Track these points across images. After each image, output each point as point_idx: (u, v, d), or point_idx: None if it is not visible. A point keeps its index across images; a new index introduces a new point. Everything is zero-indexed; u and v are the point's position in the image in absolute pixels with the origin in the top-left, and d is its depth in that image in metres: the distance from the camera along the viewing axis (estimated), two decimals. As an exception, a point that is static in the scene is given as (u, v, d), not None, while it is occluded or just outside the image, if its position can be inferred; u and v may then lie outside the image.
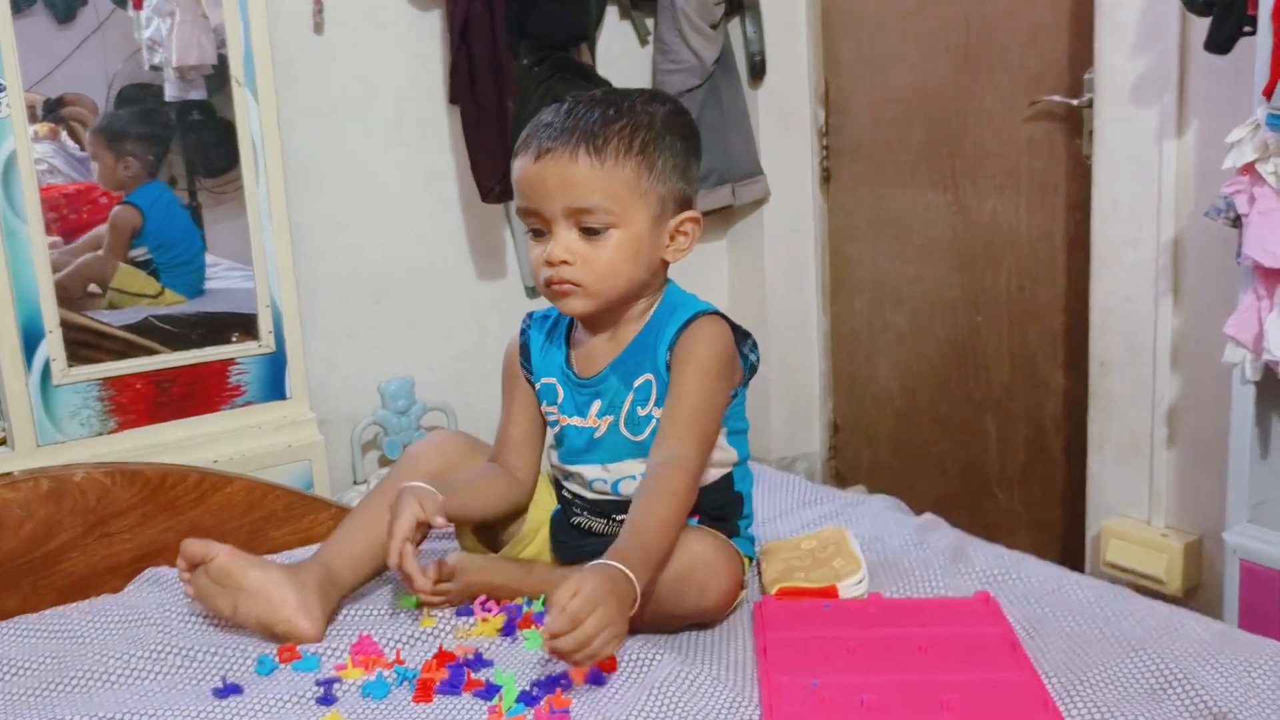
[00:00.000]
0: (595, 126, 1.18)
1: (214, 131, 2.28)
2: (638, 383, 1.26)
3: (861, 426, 3.00)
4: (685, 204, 1.25)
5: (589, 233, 1.19)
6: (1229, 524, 1.86)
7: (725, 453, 1.30)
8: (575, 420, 1.30)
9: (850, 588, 1.23)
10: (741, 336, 1.28)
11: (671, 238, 1.24)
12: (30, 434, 2.05)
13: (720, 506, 1.30)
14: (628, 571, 1.05)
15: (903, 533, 1.36)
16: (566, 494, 1.36)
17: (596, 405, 1.28)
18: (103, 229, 2.24)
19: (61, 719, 1.06)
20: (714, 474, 1.29)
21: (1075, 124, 2.30)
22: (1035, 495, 2.57)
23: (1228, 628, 1.11)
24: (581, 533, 1.34)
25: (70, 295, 2.14)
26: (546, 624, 1.01)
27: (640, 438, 1.26)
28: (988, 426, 2.64)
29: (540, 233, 1.22)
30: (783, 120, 2.90)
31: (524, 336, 1.36)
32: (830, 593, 1.22)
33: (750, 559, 1.32)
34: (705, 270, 2.99)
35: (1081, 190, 2.27)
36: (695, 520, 1.26)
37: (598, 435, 1.29)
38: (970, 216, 2.58)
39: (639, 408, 1.26)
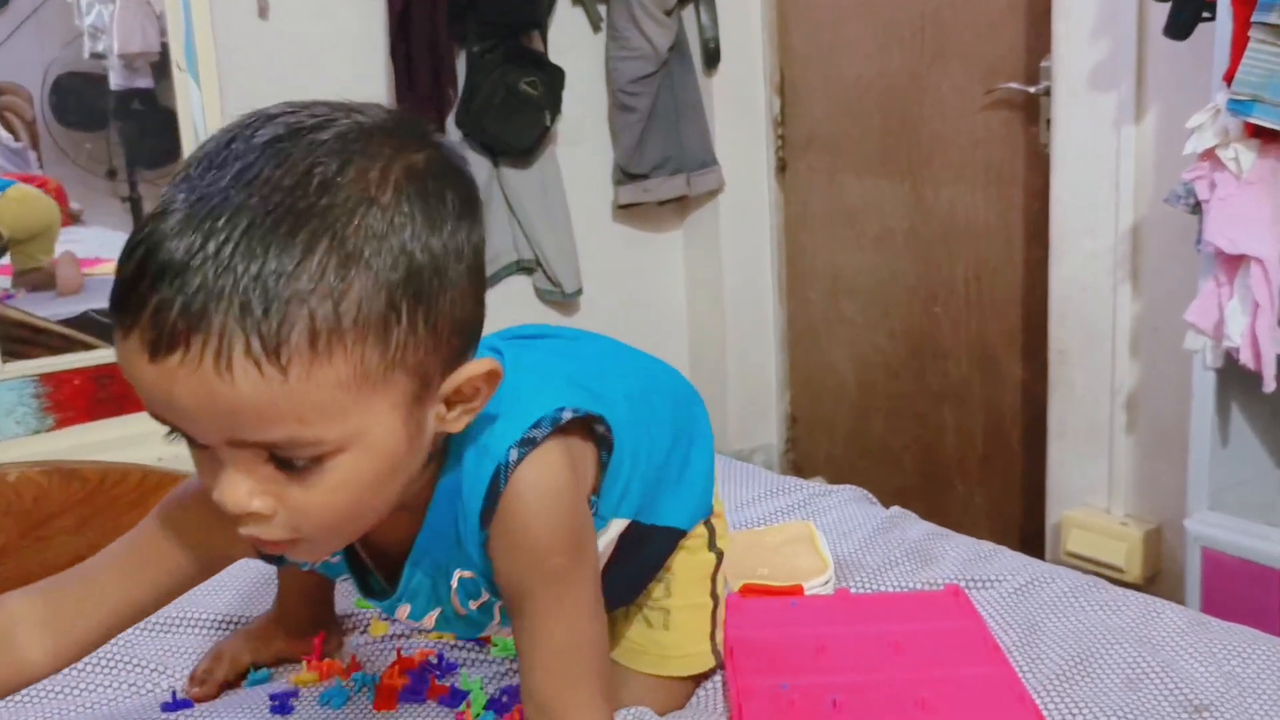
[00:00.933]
0: (263, 283, 0.60)
1: (157, 121, 2.21)
2: (455, 579, 0.83)
3: (819, 418, 2.98)
4: (465, 339, 0.70)
5: (287, 465, 0.66)
6: (1190, 511, 1.86)
7: (611, 530, 0.91)
8: (383, 607, 0.88)
9: (816, 587, 1.20)
10: (589, 424, 0.83)
11: (450, 405, 0.71)
12: (-37, 433, 1.98)
13: (640, 563, 0.98)
14: None
15: (870, 525, 1.33)
16: None
17: (405, 609, 0.87)
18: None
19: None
20: (605, 555, 0.90)
21: (1033, 112, 2.30)
22: (994, 486, 2.57)
23: (1203, 616, 1.09)
24: None
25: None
26: None
27: (494, 621, 0.89)
28: (946, 417, 2.64)
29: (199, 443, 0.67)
30: (738, 109, 2.87)
31: None
32: (796, 591, 1.19)
33: (685, 532, 1.00)
34: (661, 261, 2.96)
35: (1039, 179, 2.27)
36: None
37: (427, 626, 0.90)
38: (927, 206, 2.57)
39: (470, 602, 0.85)
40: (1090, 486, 2.24)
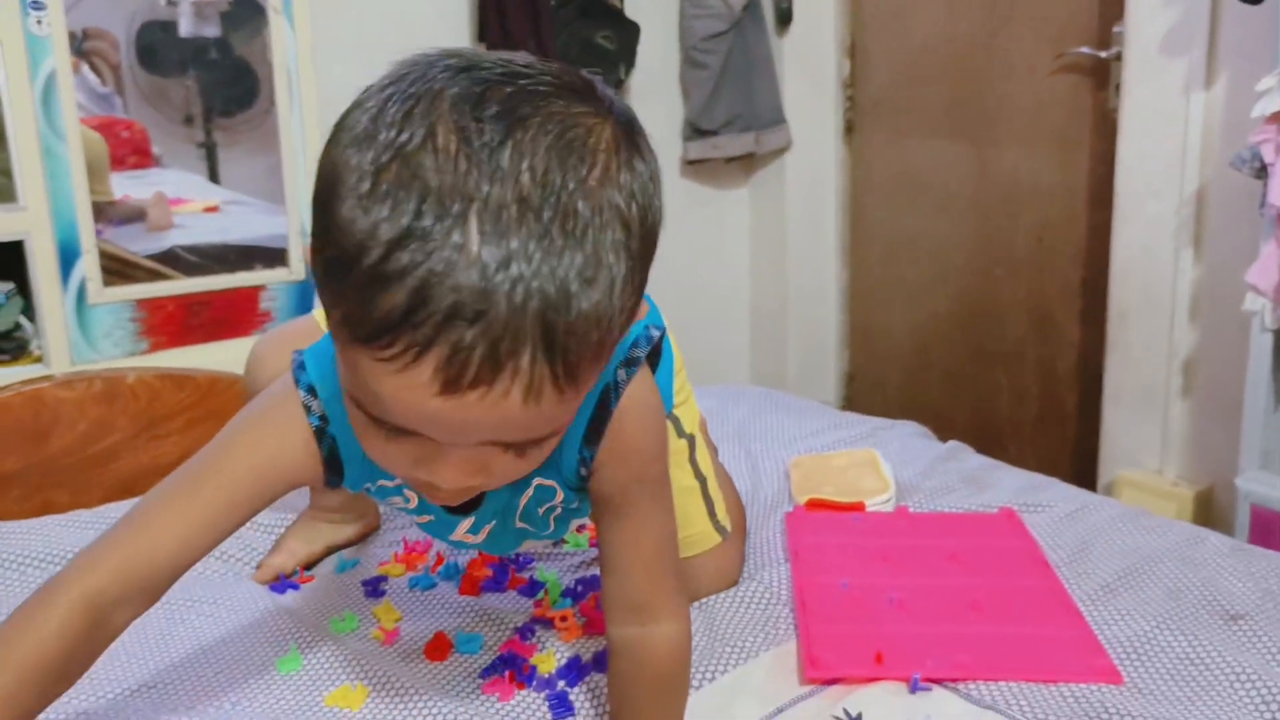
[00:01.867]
0: (561, 311, 0.57)
1: (230, 69, 2.30)
2: (534, 485, 0.84)
3: (875, 377, 3.04)
4: None
5: (520, 449, 0.67)
6: (1241, 469, 1.90)
7: None
8: (428, 520, 0.89)
9: (878, 505, 1.26)
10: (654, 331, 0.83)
11: None
12: (65, 352, 2.09)
13: None
14: None
15: (930, 455, 1.40)
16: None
17: (467, 524, 0.87)
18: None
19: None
20: None
21: (1102, 77, 2.32)
22: (1047, 447, 2.61)
23: (1245, 544, 1.14)
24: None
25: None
26: None
27: (545, 531, 0.92)
28: (1001, 379, 2.68)
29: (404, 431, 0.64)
30: (807, 70, 2.91)
31: (325, 441, 0.79)
32: (858, 508, 1.26)
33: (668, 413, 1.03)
34: (727, 218, 3.02)
35: (1105, 144, 2.30)
36: None
37: (475, 542, 0.92)
38: (991, 170, 2.60)
39: (538, 507, 0.87)
40: (1143, 448, 2.27)
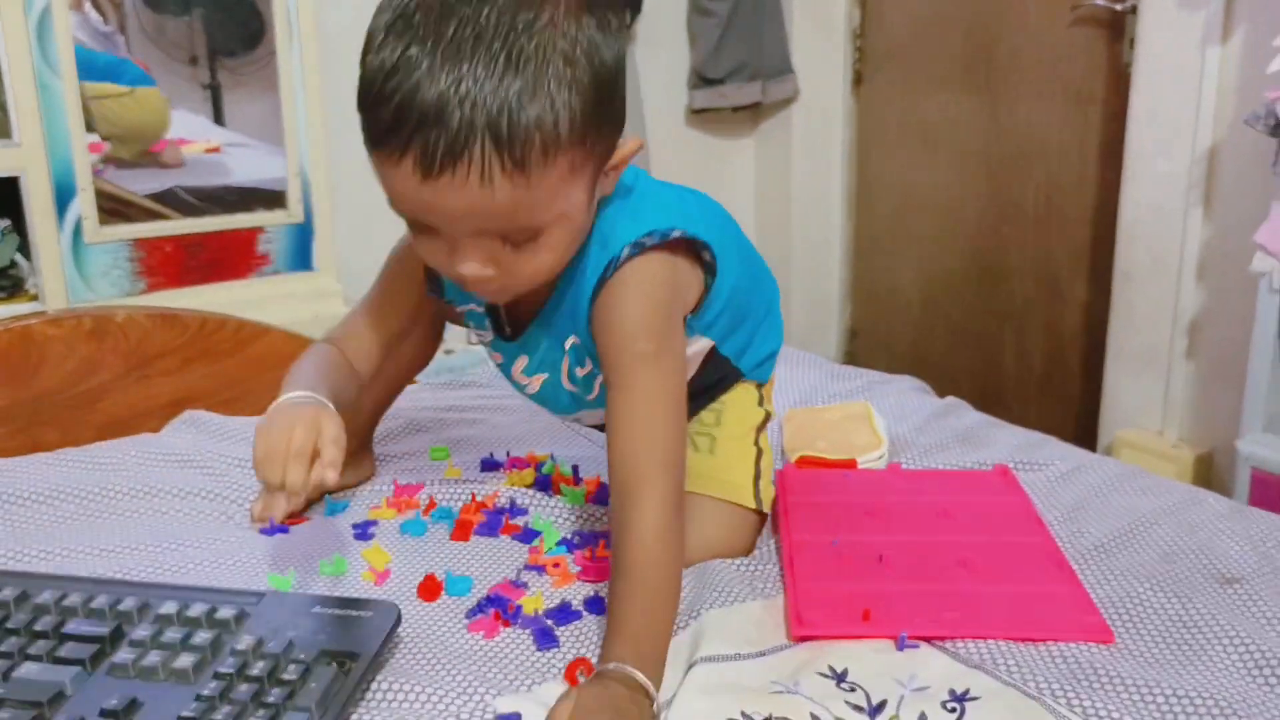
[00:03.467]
0: (505, 115, 0.77)
1: (238, 9, 2.26)
2: (568, 344, 1.01)
3: (879, 333, 3.02)
4: (622, 127, 0.89)
5: (512, 242, 0.85)
6: (1243, 432, 1.88)
7: (696, 345, 1.07)
8: (500, 358, 1.10)
9: (870, 462, 1.25)
10: (697, 247, 0.99)
11: (608, 173, 0.91)
12: (61, 290, 2.08)
13: (708, 387, 1.13)
14: (639, 679, 0.80)
15: (926, 410, 1.38)
16: None
17: (523, 361, 1.06)
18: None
19: (117, 543, 1.09)
20: (689, 371, 1.06)
21: (1118, 30, 2.28)
22: (1050, 406, 2.60)
23: (1244, 506, 1.13)
24: None
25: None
26: None
27: (590, 396, 1.06)
28: (1006, 337, 2.66)
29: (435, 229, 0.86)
30: (817, 19, 2.87)
31: None
32: (850, 465, 1.25)
33: (760, 383, 1.16)
34: (732, 168, 2.99)
35: (1119, 99, 2.26)
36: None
37: (531, 391, 1.09)
38: (1002, 124, 2.56)
39: (577, 369, 1.03)
40: (1145, 409, 2.26)
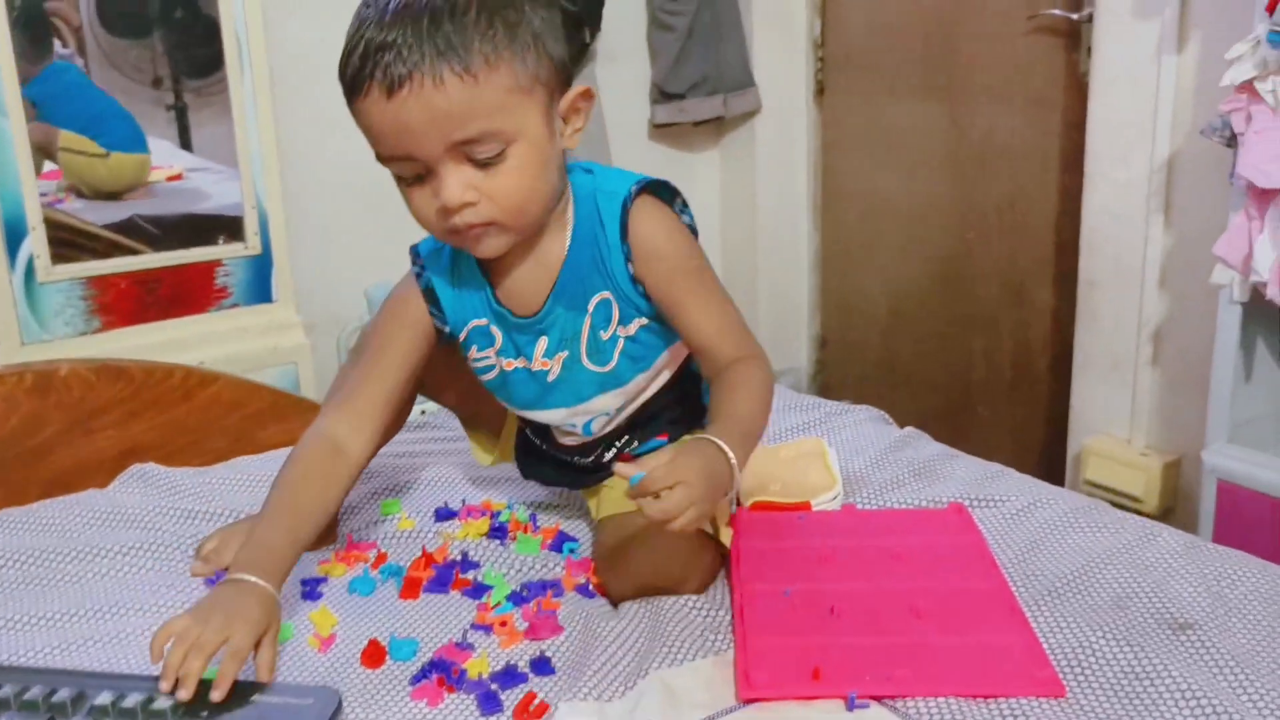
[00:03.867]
0: (447, 28, 0.92)
1: (199, 30, 2.23)
2: (592, 304, 1.09)
3: (848, 342, 3.01)
4: (566, 73, 1.02)
5: (482, 163, 0.97)
6: (1208, 443, 1.88)
7: (671, 355, 1.15)
8: (519, 363, 1.13)
9: (824, 503, 1.24)
10: (670, 195, 1.10)
11: (566, 119, 1.03)
12: (14, 332, 2.05)
13: (682, 414, 1.19)
14: (728, 451, 0.95)
15: (882, 444, 1.37)
16: (531, 436, 1.25)
17: (543, 344, 1.11)
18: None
19: (56, 610, 1.07)
20: (661, 381, 1.16)
21: (1074, 39, 2.27)
22: (1019, 412, 2.59)
23: (1199, 540, 1.12)
24: (562, 465, 1.25)
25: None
26: (637, 482, 0.90)
27: (608, 367, 1.11)
28: (974, 344, 2.65)
29: (419, 177, 0.98)
30: (777, 30, 2.85)
31: (423, 280, 1.13)
32: (804, 508, 1.23)
33: None
34: (697, 181, 2.98)
35: (1078, 106, 2.25)
36: (663, 441, 1.18)
37: (552, 378, 1.12)
38: (964, 131, 2.56)
39: (600, 331, 1.10)
40: (1112, 417, 2.26)
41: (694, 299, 1.06)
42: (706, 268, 1.09)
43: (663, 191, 1.09)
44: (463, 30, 0.93)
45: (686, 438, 0.98)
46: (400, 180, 1.00)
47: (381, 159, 0.99)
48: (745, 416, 1.02)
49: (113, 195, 2.18)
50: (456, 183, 0.96)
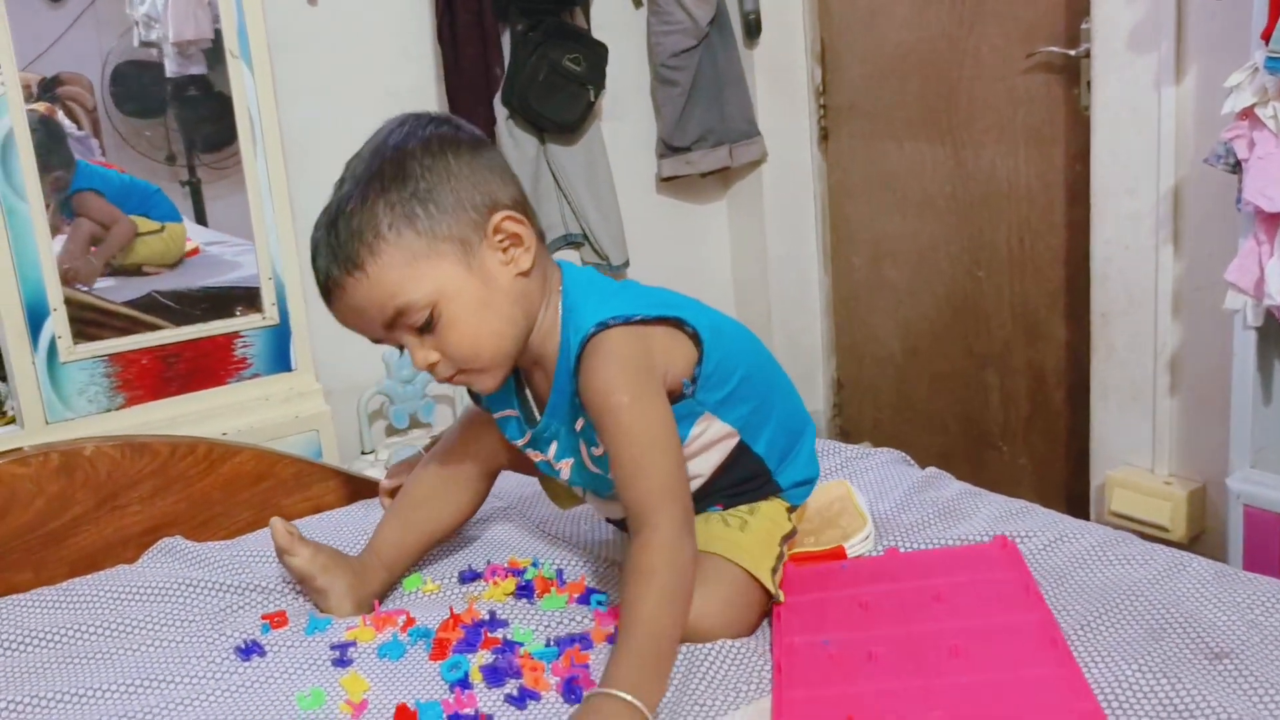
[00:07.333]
0: (339, 227, 1.02)
1: (212, 106, 2.27)
2: (579, 424, 1.12)
3: (865, 384, 3.01)
4: (485, 211, 1.05)
5: (422, 330, 1.05)
6: (1232, 470, 1.87)
7: (716, 428, 1.14)
8: (540, 456, 1.20)
9: (857, 545, 1.24)
10: (666, 323, 1.09)
11: (503, 250, 1.06)
12: (39, 412, 2.07)
13: (739, 482, 1.18)
14: (631, 700, 0.91)
15: (906, 484, 1.37)
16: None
17: (553, 447, 1.18)
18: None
19: (90, 686, 1.08)
20: (714, 458, 1.16)
21: (1073, 74, 2.29)
22: (1038, 447, 2.58)
23: (1230, 568, 1.11)
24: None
25: (73, 272, 2.15)
26: None
27: (613, 474, 1.10)
28: (990, 380, 2.65)
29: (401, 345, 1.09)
30: (779, 79, 2.89)
31: None
32: (839, 553, 1.23)
33: (792, 506, 1.22)
34: (706, 232, 3.00)
35: (1081, 141, 2.27)
36: (718, 508, 1.18)
37: (565, 476, 1.20)
38: (968, 170, 2.58)
39: (592, 449, 1.13)
40: (1134, 447, 2.25)
41: (611, 444, 1.06)
42: (637, 403, 1.04)
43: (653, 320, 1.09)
44: (348, 225, 1.03)
45: (588, 693, 0.94)
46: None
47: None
48: (652, 634, 0.97)
49: (132, 266, 2.23)
50: (415, 350, 1.06)
